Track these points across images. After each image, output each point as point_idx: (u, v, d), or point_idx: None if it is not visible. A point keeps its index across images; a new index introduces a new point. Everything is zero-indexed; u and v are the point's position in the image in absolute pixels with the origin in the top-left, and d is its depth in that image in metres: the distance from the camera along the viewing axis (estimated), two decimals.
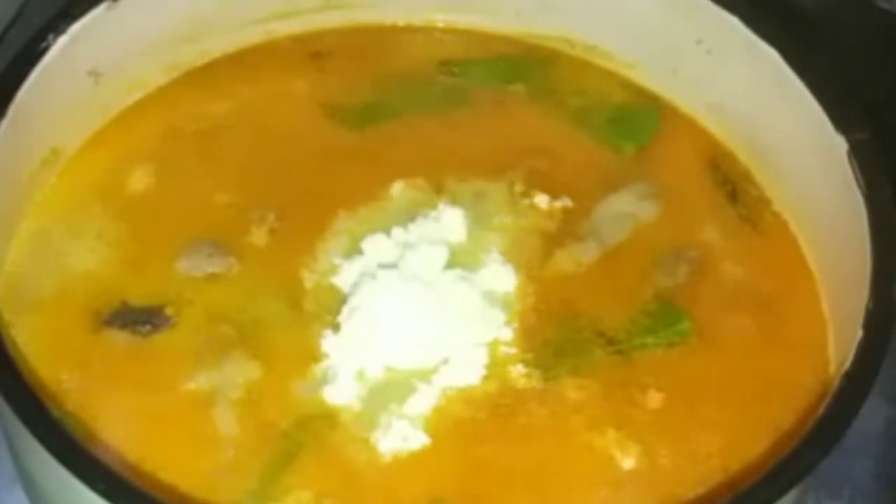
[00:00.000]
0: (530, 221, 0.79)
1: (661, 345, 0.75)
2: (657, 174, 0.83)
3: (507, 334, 0.74)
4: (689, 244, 0.79)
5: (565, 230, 0.79)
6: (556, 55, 0.88)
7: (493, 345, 0.73)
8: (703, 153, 0.84)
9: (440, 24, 0.89)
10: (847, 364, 0.67)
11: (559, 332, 0.75)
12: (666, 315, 0.76)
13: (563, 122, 0.85)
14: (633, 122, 0.85)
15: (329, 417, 0.70)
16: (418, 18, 0.87)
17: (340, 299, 0.74)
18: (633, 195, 0.81)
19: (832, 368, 0.74)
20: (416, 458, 0.69)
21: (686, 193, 0.82)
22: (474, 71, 0.88)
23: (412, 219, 0.77)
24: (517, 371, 0.73)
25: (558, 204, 0.80)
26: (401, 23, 0.89)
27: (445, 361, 0.72)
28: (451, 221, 0.77)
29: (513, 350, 0.73)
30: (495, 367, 0.73)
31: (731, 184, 0.83)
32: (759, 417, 0.72)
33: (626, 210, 0.80)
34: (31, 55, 0.74)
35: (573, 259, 0.78)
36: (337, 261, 0.76)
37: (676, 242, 0.79)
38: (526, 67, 0.88)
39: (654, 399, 0.72)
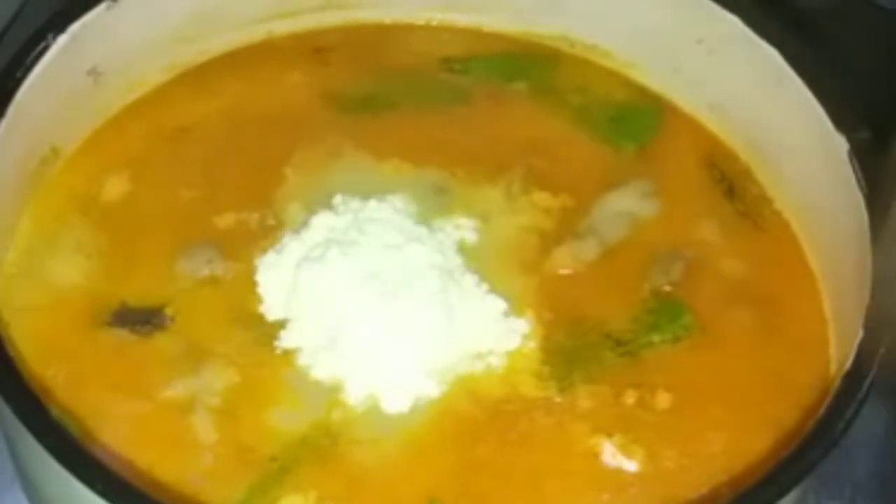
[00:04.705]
0: (530, 219, 0.79)
1: (667, 341, 0.75)
2: (658, 173, 0.82)
3: (509, 336, 0.74)
4: (689, 242, 0.79)
5: (565, 228, 0.79)
6: (556, 54, 0.88)
7: (496, 347, 0.73)
8: (704, 152, 0.84)
9: (441, 23, 0.89)
10: (847, 364, 0.67)
11: (568, 338, 0.74)
12: (667, 310, 0.76)
13: (563, 121, 0.85)
14: (634, 121, 0.85)
15: (330, 420, 0.70)
16: (419, 17, 0.87)
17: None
18: (633, 193, 0.81)
19: (833, 367, 0.73)
20: (415, 458, 0.69)
21: (686, 192, 0.82)
22: (475, 68, 0.88)
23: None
24: (521, 374, 0.72)
25: (558, 202, 0.80)
26: (402, 21, 0.89)
27: (447, 365, 0.72)
28: (459, 228, 0.77)
29: (515, 352, 0.73)
30: (497, 368, 0.73)
31: (728, 181, 0.83)
32: (764, 415, 0.72)
33: (626, 208, 0.80)
34: (30, 54, 0.74)
35: (573, 257, 0.78)
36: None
37: (676, 240, 0.79)
38: (527, 66, 0.88)
39: (663, 400, 0.72)
